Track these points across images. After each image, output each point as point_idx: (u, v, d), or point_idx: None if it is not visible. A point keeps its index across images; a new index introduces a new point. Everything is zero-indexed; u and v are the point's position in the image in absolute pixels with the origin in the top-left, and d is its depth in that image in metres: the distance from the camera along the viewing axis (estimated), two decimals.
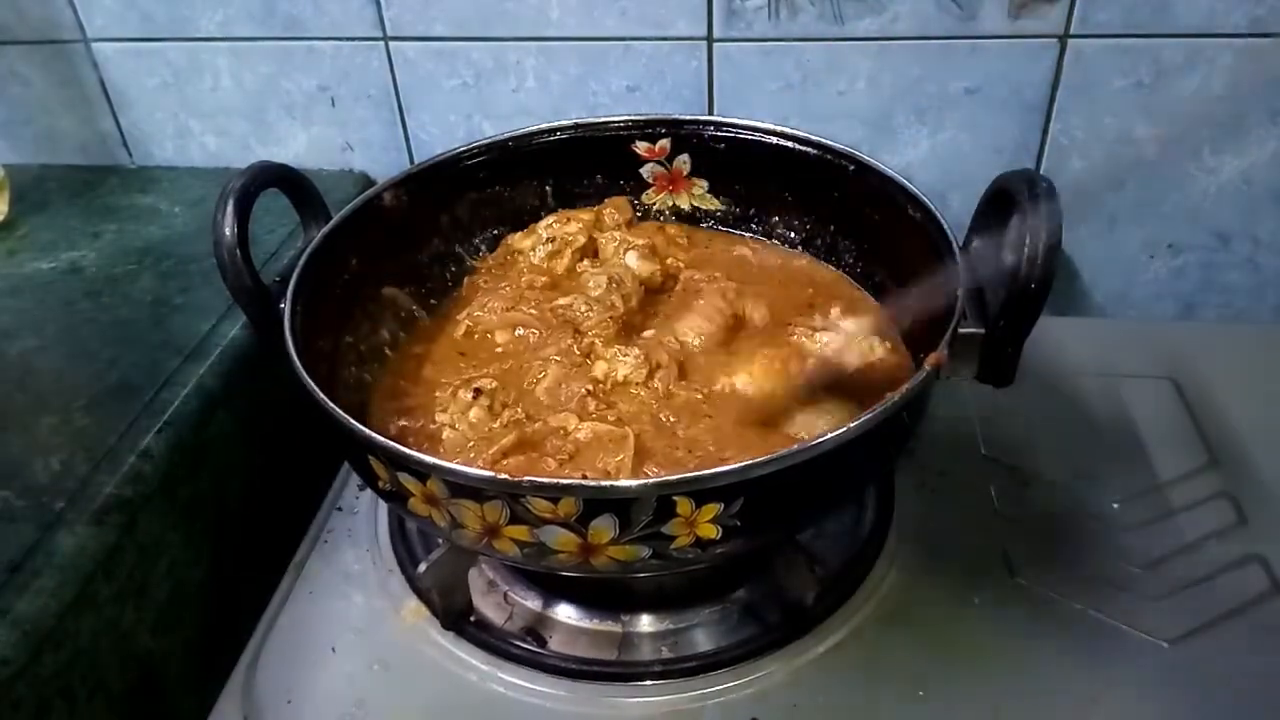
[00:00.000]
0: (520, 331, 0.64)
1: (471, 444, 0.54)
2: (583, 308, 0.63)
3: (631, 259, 0.68)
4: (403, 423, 0.58)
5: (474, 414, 0.55)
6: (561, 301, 0.64)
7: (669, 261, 0.69)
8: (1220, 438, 0.69)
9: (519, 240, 0.71)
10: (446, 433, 0.55)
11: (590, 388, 0.57)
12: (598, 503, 0.44)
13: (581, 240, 0.70)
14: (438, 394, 0.60)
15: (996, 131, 0.82)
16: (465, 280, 0.70)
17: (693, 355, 0.61)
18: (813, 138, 0.67)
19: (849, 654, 0.57)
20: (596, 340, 0.61)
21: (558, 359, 0.60)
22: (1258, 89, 0.77)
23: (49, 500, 0.57)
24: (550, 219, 0.71)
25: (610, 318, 0.62)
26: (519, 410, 0.56)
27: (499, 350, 0.63)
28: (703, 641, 0.59)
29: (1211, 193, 0.83)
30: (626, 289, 0.65)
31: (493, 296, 0.66)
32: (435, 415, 0.57)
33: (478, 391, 0.56)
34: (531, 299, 0.65)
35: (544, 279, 0.68)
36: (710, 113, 0.84)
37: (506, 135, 0.71)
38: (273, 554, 0.65)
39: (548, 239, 0.70)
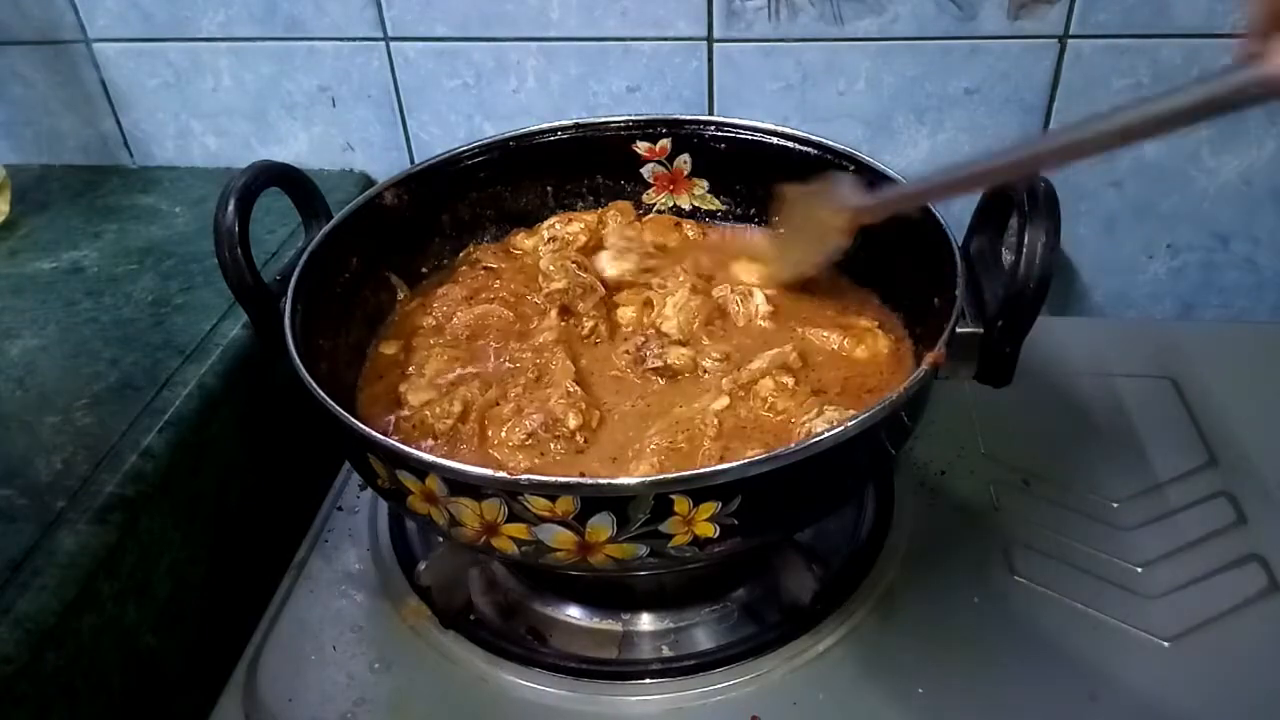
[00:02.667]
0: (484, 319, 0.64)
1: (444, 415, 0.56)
2: (577, 290, 0.64)
3: (604, 260, 0.68)
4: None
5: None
6: (556, 287, 0.64)
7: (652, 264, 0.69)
8: (1219, 437, 0.69)
9: (522, 240, 0.72)
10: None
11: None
12: (595, 501, 0.44)
13: (583, 240, 0.70)
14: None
15: (996, 131, 0.82)
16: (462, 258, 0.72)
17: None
18: (813, 138, 0.67)
19: (849, 652, 0.57)
20: (599, 324, 0.62)
21: (553, 342, 0.60)
22: None
23: (50, 499, 0.57)
24: (553, 220, 0.72)
25: (600, 299, 0.64)
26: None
27: (480, 344, 0.63)
28: (703, 640, 0.59)
29: (1211, 193, 0.83)
30: (584, 267, 0.67)
31: (455, 286, 0.67)
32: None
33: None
34: (499, 288, 0.66)
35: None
36: (710, 113, 0.85)
37: (507, 135, 0.71)
38: (273, 553, 0.65)
39: (549, 239, 0.70)
